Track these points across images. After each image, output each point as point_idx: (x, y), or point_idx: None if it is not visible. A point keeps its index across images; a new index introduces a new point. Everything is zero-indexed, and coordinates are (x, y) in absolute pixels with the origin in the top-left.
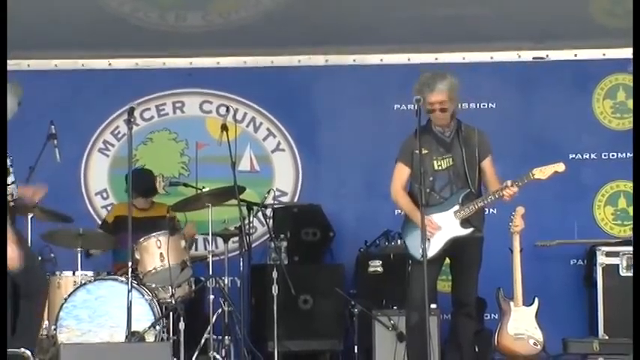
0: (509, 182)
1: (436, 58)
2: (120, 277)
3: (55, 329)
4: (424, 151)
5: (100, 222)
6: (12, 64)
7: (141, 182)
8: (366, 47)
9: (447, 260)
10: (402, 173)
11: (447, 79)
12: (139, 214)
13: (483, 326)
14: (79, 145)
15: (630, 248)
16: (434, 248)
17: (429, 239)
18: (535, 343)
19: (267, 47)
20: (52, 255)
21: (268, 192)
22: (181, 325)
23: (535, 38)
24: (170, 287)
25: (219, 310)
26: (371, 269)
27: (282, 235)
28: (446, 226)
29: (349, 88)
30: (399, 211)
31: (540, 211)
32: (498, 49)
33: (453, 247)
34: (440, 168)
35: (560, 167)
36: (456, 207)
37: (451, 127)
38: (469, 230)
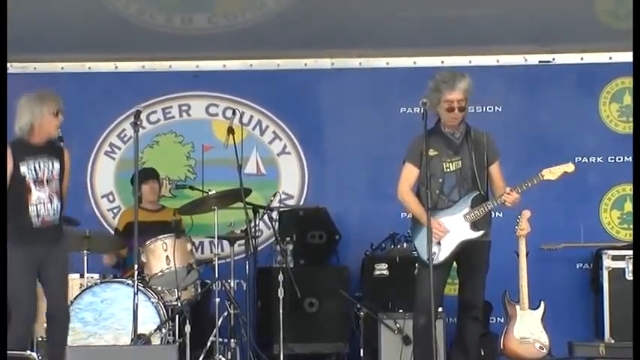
0: (508, 189)
1: (442, 62)
2: (126, 280)
3: None
4: (434, 153)
5: (112, 231)
6: (19, 68)
7: (146, 171)
8: (372, 50)
9: (454, 264)
10: (410, 174)
11: (466, 79)
12: (148, 217)
13: (489, 330)
14: (86, 148)
15: None
16: (444, 252)
17: (439, 243)
18: (541, 347)
19: (273, 50)
20: None
21: (274, 195)
22: (187, 328)
23: (541, 41)
24: (176, 290)
25: (225, 313)
26: (377, 272)
27: (287, 238)
28: (456, 229)
29: (355, 90)
30: (405, 213)
31: (546, 215)
32: (504, 53)
33: (461, 250)
34: (449, 170)
35: (570, 167)
36: (466, 210)
37: (461, 129)
38: (479, 233)
